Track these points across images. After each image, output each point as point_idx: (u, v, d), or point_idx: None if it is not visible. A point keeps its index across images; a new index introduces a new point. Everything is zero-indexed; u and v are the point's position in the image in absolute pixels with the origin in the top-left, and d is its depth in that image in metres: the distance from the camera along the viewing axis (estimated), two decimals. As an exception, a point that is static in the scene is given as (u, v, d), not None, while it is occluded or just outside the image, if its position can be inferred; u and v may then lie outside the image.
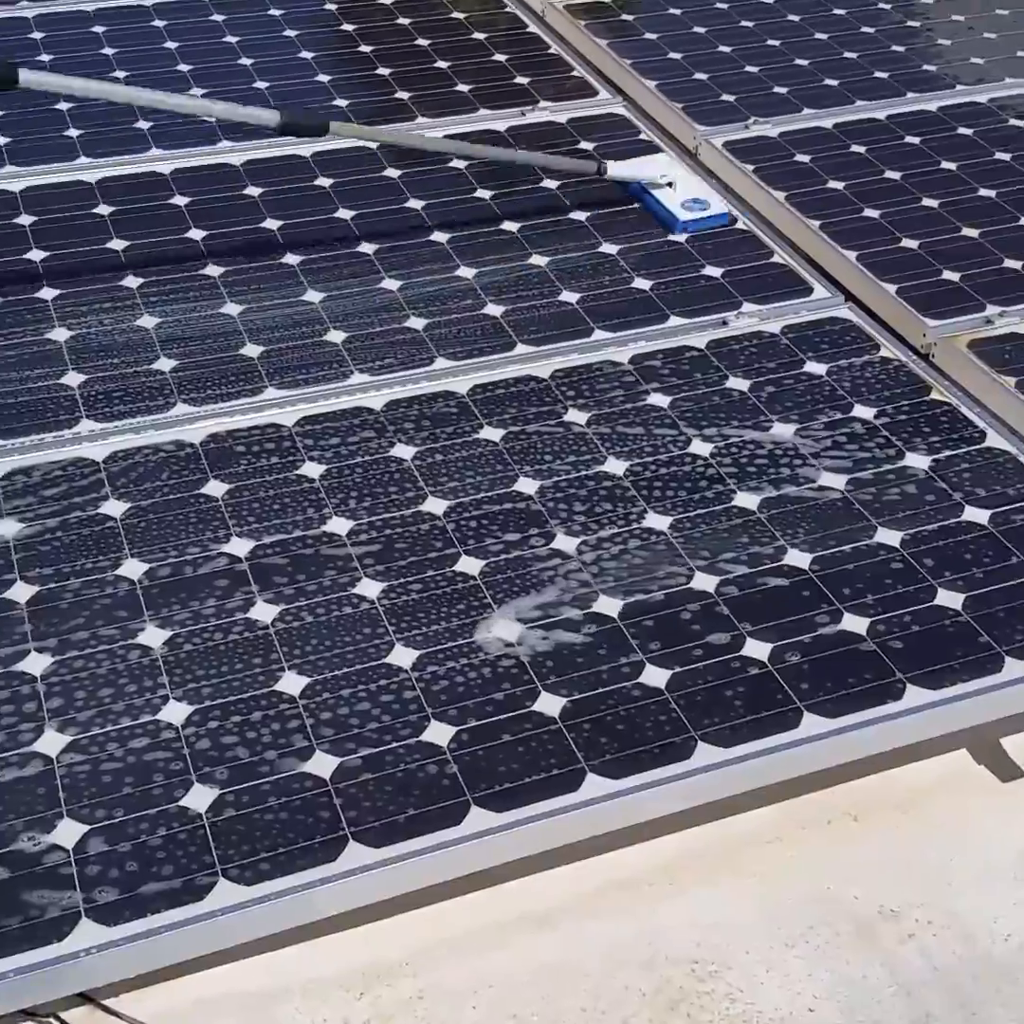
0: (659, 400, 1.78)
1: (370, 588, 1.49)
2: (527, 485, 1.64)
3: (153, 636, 1.42)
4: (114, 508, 1.57)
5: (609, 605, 1.48)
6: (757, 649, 1.43)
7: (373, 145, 2.28)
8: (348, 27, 2.69)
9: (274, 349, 1.84)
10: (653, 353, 1.87)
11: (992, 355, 1.87)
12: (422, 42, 2.65)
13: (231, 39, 2.61)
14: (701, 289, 2.00)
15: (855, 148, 2.34)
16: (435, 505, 1.61)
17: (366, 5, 2.79)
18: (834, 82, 2.55)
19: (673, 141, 2.38)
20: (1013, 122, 2.43)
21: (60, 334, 1.84)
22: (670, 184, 2.16)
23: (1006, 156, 2.33)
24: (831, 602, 1.49)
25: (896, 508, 1.62)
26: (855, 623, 1.46)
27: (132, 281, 1.95)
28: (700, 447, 1.71)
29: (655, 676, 1.40)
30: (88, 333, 1.85)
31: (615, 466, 1.67)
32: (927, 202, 2.20)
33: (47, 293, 1.92)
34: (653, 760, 1.31)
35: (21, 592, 1.46)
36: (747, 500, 1.63)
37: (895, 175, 2.27)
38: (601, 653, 1.42)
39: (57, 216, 2.08)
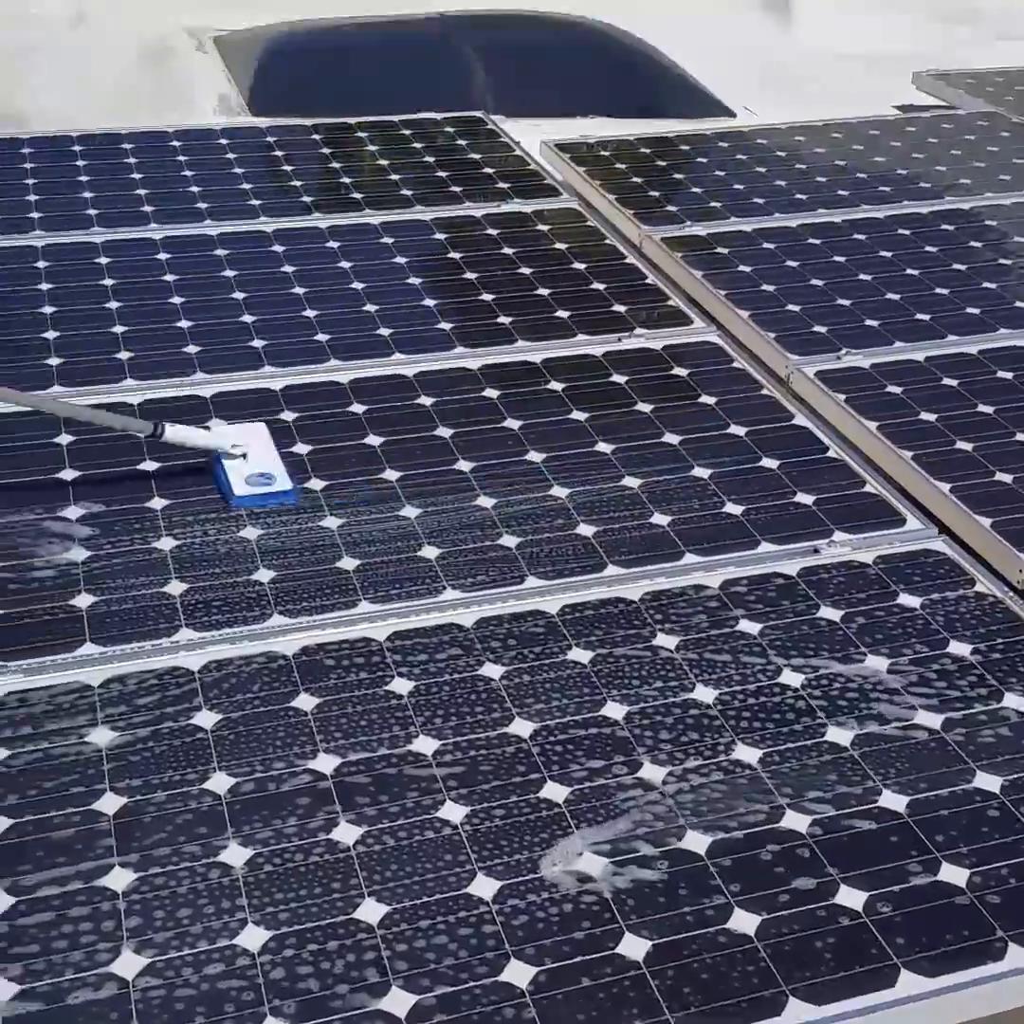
0: (748, 627, 1.78)
1: (453, 812, 1.48)
2: (614, 710, 1.63)
3: (235, 855, 1.41)
4: (206, 719, 1.60)
5: (694, 841, 1.45)
6: (847, 897, 1.38)
7: (500, 358, 2.38)
8: (455, 255, 2.84)
9: (369, 563, 1.88)
10: (742, 579, 1.87)
11: (1091, 594, 1.84)
12: (524, 270, 2.78)
13: (344, 264, 2.76)
14: (792, 516, 2.01)
15: (947, 381, 2.38)
16: (521, 727, 1.60)
17: (473, 235, 2.94)
18: (925, 316, 2.60)
19: (765, 369, 2.44)
20: (1106, 359, 2.46)
21: (166, 543, 1.91)
22: (243, 456, 2.05)
23: (1099, 394, 2.34)
24: (926, 849, 1.44)
25: (993, 751, 1.58)
26: (952, 874, 1.41)
27: (238, 493, 2.03)
28: (790, 677, 1.69)
29: (742, 921, 1.35)
30: (192, 543, 1.91)
31: (703, 694, 1.66)
32: (1020, 437, 2.21)
33: (157, 503, 2.00)
34: (742, 1015, 1.26)
35: (109, 804, 1.47)
36: (838, 735, 1.60)
37: (988, 409, 2.29)
38: (684, 893, 1.38)
39: (171, 428, 2.18)
